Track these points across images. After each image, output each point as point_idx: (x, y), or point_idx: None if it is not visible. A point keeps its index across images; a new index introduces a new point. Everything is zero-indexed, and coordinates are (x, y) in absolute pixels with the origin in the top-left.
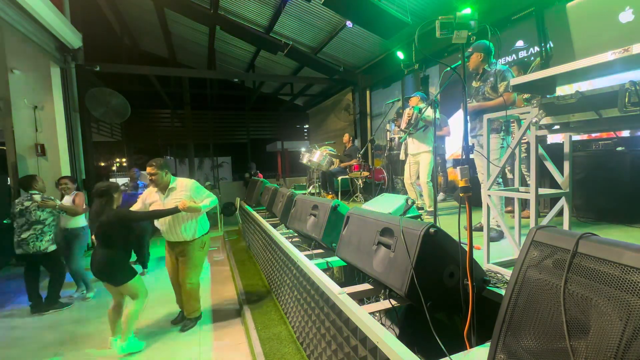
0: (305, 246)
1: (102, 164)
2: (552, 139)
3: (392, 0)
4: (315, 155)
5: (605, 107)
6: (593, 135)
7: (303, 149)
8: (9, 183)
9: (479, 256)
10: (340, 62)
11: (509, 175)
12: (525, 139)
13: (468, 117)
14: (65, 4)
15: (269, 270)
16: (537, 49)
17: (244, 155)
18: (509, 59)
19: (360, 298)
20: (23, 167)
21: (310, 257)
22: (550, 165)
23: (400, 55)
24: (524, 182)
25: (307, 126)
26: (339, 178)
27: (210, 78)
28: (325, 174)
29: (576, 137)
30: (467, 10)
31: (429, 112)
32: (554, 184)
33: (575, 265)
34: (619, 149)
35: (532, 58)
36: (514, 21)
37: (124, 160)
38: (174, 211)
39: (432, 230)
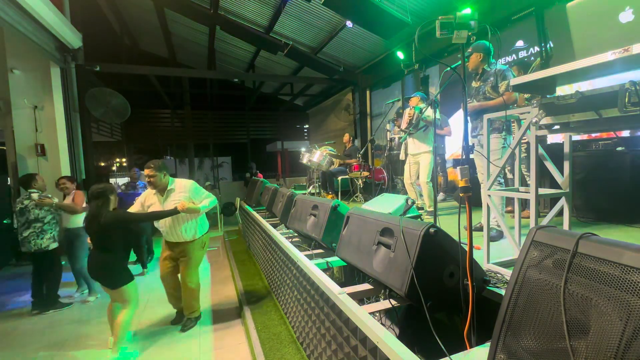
0: (305, 246)
1: (102, 164)
2: (552, 139)
3: (392, 0)
4: (315, 155)
5: (605, 107)
6: (593, 135)
7: (303, 149)
8: (9, 183)
9: (479, 256)
10: (340, 62)
11: (509, 175)
12: (525, 139)
13: (469, 117)
14: (65, 4)
15: (269, 270)
16: (537, 49)
17: (244, 155)
18: (509, 59)
19: (360, 298)
20: (23, 167)
21: (310, 257)
22: (550, 165)
23: (400, 55)
24: (524, 182)
25: (307, 126)
26: (339, 178)
27: (210, 78)
28: (325, 174)
29: (576, 137)
30: (467, 10)
31: (429, 112)
32: (554, 184)
33: (575, 265)
34: (619, 149)
35: (532, 58)
36: (514, 21)
37: (124, 160)
38: (173, 212)
39: (432, 230)
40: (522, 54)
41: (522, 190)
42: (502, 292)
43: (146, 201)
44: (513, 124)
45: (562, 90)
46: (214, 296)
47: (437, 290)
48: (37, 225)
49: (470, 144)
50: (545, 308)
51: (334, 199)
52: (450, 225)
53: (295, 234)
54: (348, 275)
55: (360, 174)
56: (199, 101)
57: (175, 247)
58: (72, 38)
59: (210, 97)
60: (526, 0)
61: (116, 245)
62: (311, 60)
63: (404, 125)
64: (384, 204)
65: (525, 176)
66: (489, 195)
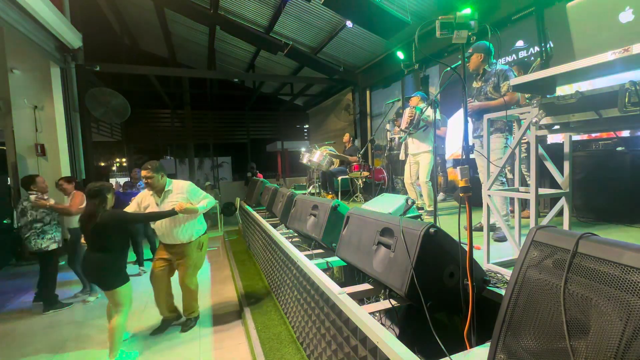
0: (305, 246)
1: (102, 164)
2: (552, 139)
3: (392, 0)
4: (315, 155)
5: (605, 107)
6: (593, 135)
7: (303, 149)
8: (9, 183)
9: (479, 256)
10: (340, 62)
11: (509, 175)
12: (525, 139)
13: (472, 118)
14: (65, 4)
15: (269, 271)
16: (537, 49)
17: (244, 155)
18: (509, 59)
19: (360, 298)
20: (23, 167)
21: (310, 257)
22: (550, 165)
23: (400, 55)
24: (524, 182)
25: (307, 126)
26: (339, 178)
27: (210, 78)
28: (325, 174)
29: (576, 137)
30: (467, 10)
31: (429, 112)
32: (554, 184)
33: (575, 265)
34: (619, 149)
35: (532, 58)
36: (514, 21)
37: (124, 160)
38: (170, 213)
39: (432, 230)
40: (522, 54)
41: (522, 190)
42: (502, 292)
43: (143, 202)
44: (514, 124)
45: (562, 90)
46: (214, 296)
47: (437, 290)
48: (37, 225)
49: (471, 144)
50: (545, 308)
51: (334, 199)
52: (450, 225)
53: (295, 234)
54: (348, 275)
55: (360, 174)
56: (199, 101)
57: (171, 248)
58: (72, 38)
59: (210, 97)
60: (526, 0)
61: (112, 245)
62: (311, 60)
63: (404, 125)
64: (384, 204)
65: (525, 176)
66: (489, 195)
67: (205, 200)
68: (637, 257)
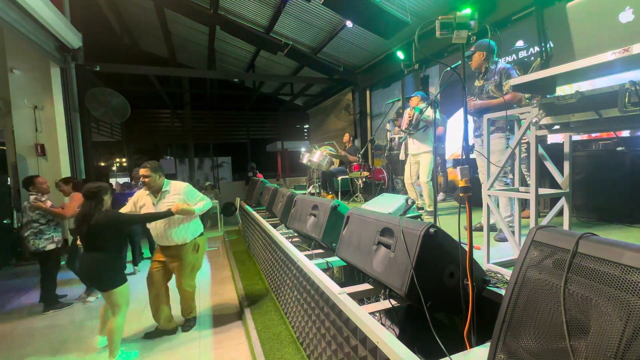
0: (305, 246)
1: (102, 164)
2: (552, 139)
3: (392, 0)
4: (315, 155)
5: (605, 107)
6: (593, 135)
7: (303, 149)
8: (8, 183)
9: (479, 256)
10: (340, 62)
11: (509, 175)
12: (525, 139)
13: (473, 116)
14: (65, 4)
15: (269, 271)
16: (537, 49)
17: (244, 155)
18: (509, 59)
19: (360, 298)
20: (23, 167)
21: (310, 257)
22: (550, 165)
23: (400, 55)
24: (524, 182)
25: (307, 126)
26: (339, 178)
27: (210, 78)
28: (325, 174)
29: (576, 137)
30: (467, 11)
31: (429, 112)
32: (554, 184)
33: (575, 265)
34: (619, 149)
35: (532, 58)
36: (514, 21)
37: (124, 160)
38: (167, 214)
39: (432, 230)
40: (522, 54)
41: (522, 190)
42: (502, 292)
43: (139, 201)
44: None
45: (562, 90)
46: (214, 296)
47: (437, 291)
48: (35, 225)
49: (472, 143)
50: (545, 308)
51: (334, 199)
52: (450, 225)
53: (295, 234)
54: (348, 275)
55: (360, 174)
56: (199, 101)
57: (166, 250)
58: (72, 38)
59: (210, 97)
60: (526, 0)
61: (107, 247)
62: (311, 60)
63: (404, 125)
64: (384, 204)
65: (525, 176)
66: (489, 195)
67: (202, 202)
68: (637, 257)
